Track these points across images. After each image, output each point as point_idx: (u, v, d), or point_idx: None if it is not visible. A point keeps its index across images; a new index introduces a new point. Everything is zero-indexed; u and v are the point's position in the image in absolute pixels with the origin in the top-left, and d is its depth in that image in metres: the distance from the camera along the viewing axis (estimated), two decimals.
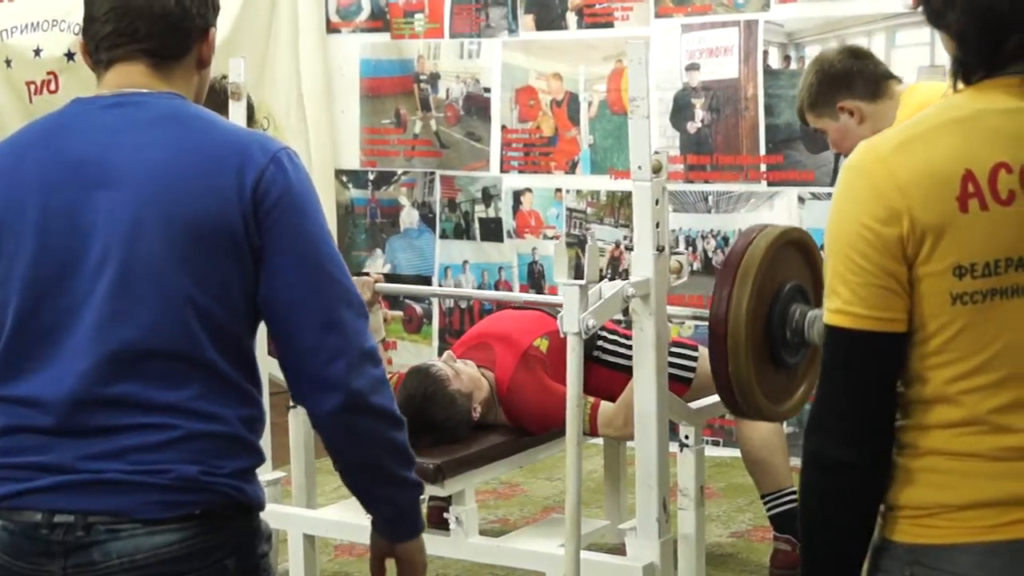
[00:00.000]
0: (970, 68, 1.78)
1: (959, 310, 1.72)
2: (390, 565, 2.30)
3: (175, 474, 1.99)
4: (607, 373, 4.10)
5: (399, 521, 2.25)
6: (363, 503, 2.24)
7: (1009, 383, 1.73)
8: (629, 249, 3.62)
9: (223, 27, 6.63)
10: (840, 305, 1.76)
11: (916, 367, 1.77)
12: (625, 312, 3.56)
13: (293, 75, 6.73)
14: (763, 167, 5.61)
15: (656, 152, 3.51)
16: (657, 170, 3.50)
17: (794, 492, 4.04)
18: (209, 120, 2.13)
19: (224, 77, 4.25)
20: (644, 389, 3.55)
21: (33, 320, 2.03)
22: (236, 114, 4.19)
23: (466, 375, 4.01)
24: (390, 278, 6.55)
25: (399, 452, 2.18)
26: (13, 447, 2.04)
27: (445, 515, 3.98)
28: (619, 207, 5.91)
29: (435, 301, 6.48)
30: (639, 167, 3.47)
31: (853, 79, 3.72)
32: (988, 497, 1.73)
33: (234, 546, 2.05)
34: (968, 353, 1.73)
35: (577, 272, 3.36)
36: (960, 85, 1.81)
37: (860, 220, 1.74)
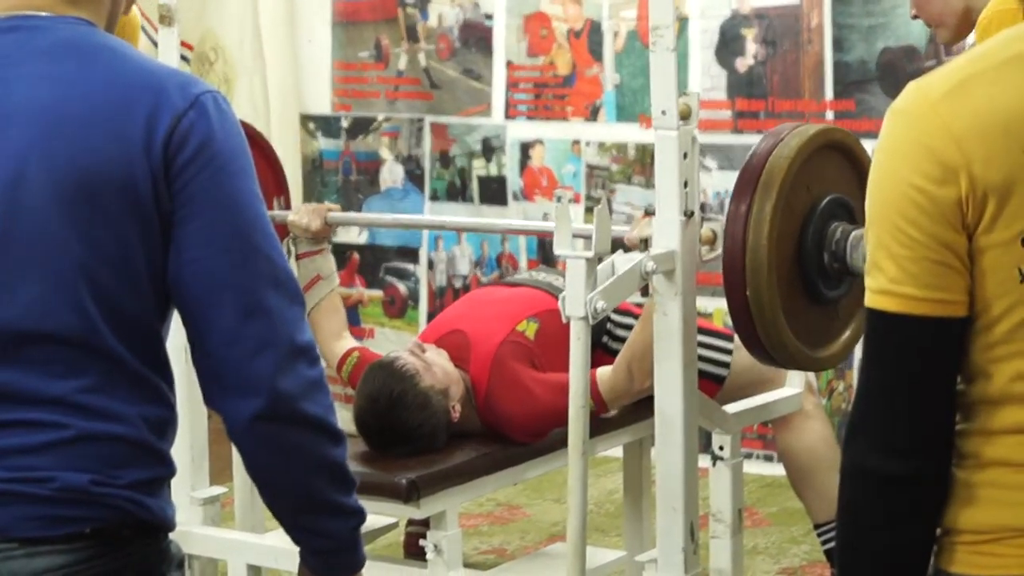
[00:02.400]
0: None
1: None
2: None
3: (60, 483, 2.00)
4: None
5: (334, 555, 2.24)
6: (289, 533, 2.24)
7: None
8: (652, 214, 3.61)
9: None
10: (885, 284, 1.77)
11: (979, 359, 1.78)
12: (644, 292, 3.56)
13: None
14: (830, 114, 5.63)
15: (684, 94, 3.51)
16: (686, 116, 3.53)
17: None
18: (120, 52, 2.14)
19: None
20: (667, 388, 3.57)
21: None
22: (166, 44, 4.23)
23: (439, 367, 4.03)
24: (368, 249, 6.60)
25: (334, 472, 2.18)
26: None
27: (422, 542, 3.99)
28: (651, 163, 5.89)
29: (423, 279, 6.52)
30: (663, 112, 3.50)
31: None
32: None
33: (134, 573, 2.07)
34: None
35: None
36: None
37: (909, 180, 1.75)
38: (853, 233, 3.54)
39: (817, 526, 4.28)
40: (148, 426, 2.07)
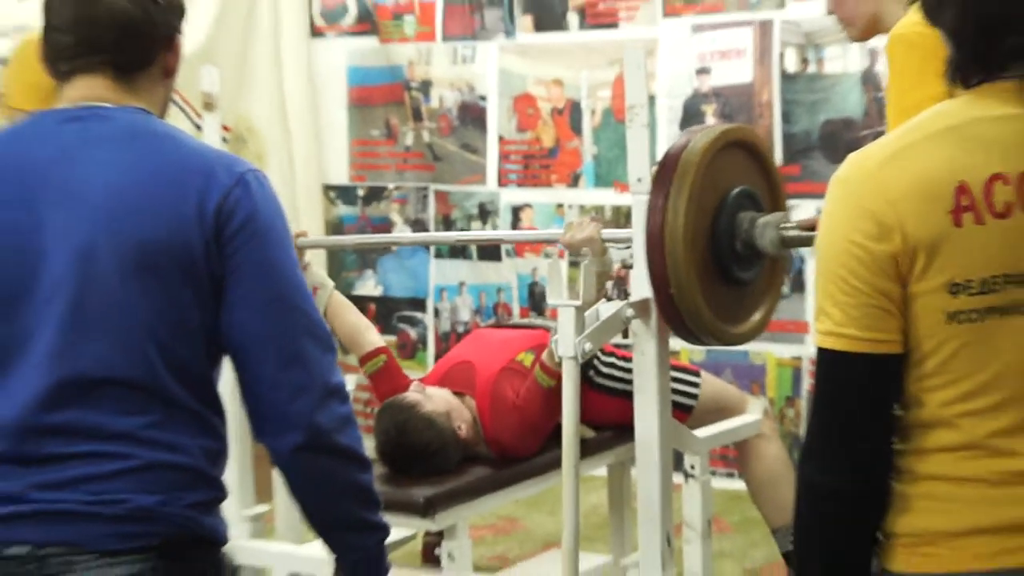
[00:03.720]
0: (967, 71, 1.80)
1: (955, 329, 1.74)
2: None
3: (132, 504, 2.01)
4: (599, 398, 4.10)
5: (363, 564, 2.25)
6: (325, 545, 2.25)
7: (1009, 405, 1.75)
8: (629, 265, 3.61)
9: (198, 32, 6.67)
10: (831, 327, 1.78)
11: (912, 389, 1.79)
12: (625, 334, 3.57)
13: (275, 83, 6.72)
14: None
15: (655, 164, 3.51)
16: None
17: None
18: (174, 138, 2.15)
19: None
20: (646, 416, 3.54)
21: None
22: (209, 127, 4.21)
23: (438, 397, 4.00)
24: (382, 301, 6.60)
25: (363, 494, 2.20)
26: None
27: (437, 551, 3.99)
28: (625, 223, 5.88)
29: (430, 326, 6.52)
30: (638, 179, 3.46)
31: None
32: (989, 523, 1.76)
33: None
34: (965, 374, 1.75)
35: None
36: (957, 91, 1.82)
37: (851, 237, 1.76)
38: (760, 220, 3.47)
39: (774, 531, 4.23)
40: (204, 456, 2.09)
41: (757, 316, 3.70)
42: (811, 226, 3.34)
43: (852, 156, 1.83)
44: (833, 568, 1.85)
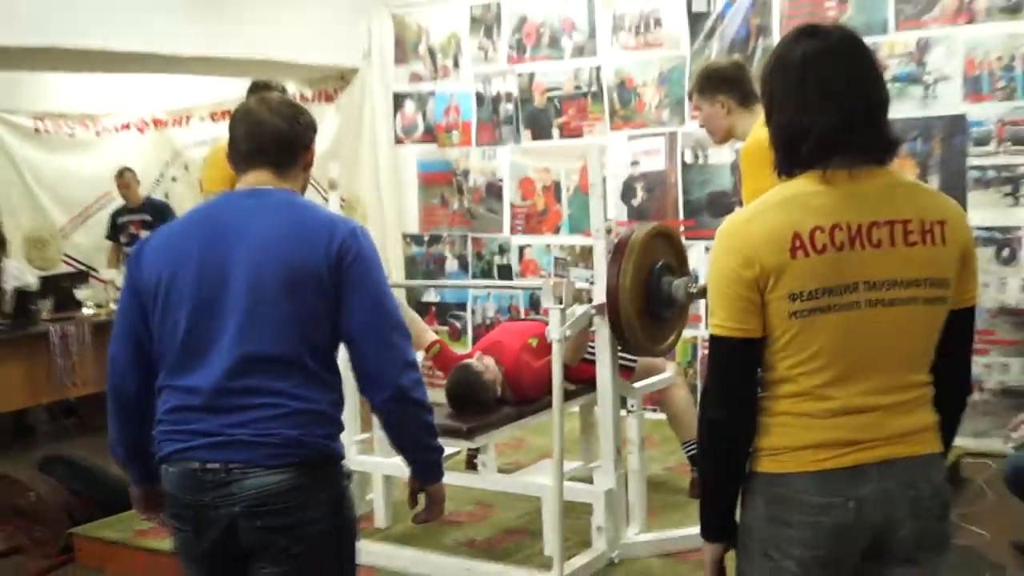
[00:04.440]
0: (784, 168, 1.75)
1: (793, 322, 1.70)
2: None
3: (283, 436, 1.99)
4: (579, 366, 3.99)
5: (428, 470, 2.21)
6: (405, 459, 2.21)
7: (826, 368, 1.70)
8: (592, 283, 3.61)
9: (326, 141, 6.74)
10: (719, 321, 1.74)
11: (769, 359, 1.74)
12: (591, 325, 3.57)
13: (373, 172, 6.73)
14: (682, 228, 5.60)
15: (608, 219, 3.52)
16: (609, 231, 3.53)
17: None
18: (310, 206, 2.12)
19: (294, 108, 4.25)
20: (604, 375, 3.55)
21: (195, 332, 2.03)
22: (333, 200, 4.13)
23: (491, 368, 3.94)
24: (439, 305, 6.59)
25: (428, 428, 2.15)
26: (180, 419, 2.04)
27: (475, 460, 3.96)
28: (588, 256, 5.91)
29: (469, 320, 6.47)
30: (597, 230, 3.48)
31: (732, 84, 3.39)
32: (815, 441, 1.71)
33: (325, 482, 2.04)
34: (800, 349, 1.71)
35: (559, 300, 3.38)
36: (784, 178, 1.77)
37: (729, 266, 1.72)
38: (675, 282, 3.48)
39: (683, 444, 4.24)
40: (329, 404, 2.05)
41: (671, 338, 3.73)
42: (703, 290, 3.35)
43: (729, 216, 1.78)
44: (721, 468, 1.79)
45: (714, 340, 1.76)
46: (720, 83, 3.39)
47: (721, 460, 1.78)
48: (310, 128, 2.19)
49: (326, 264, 2.01)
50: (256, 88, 4.26)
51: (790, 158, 1.74)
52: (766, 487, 1.75)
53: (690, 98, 3.63)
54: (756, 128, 3.21)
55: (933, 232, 1.71)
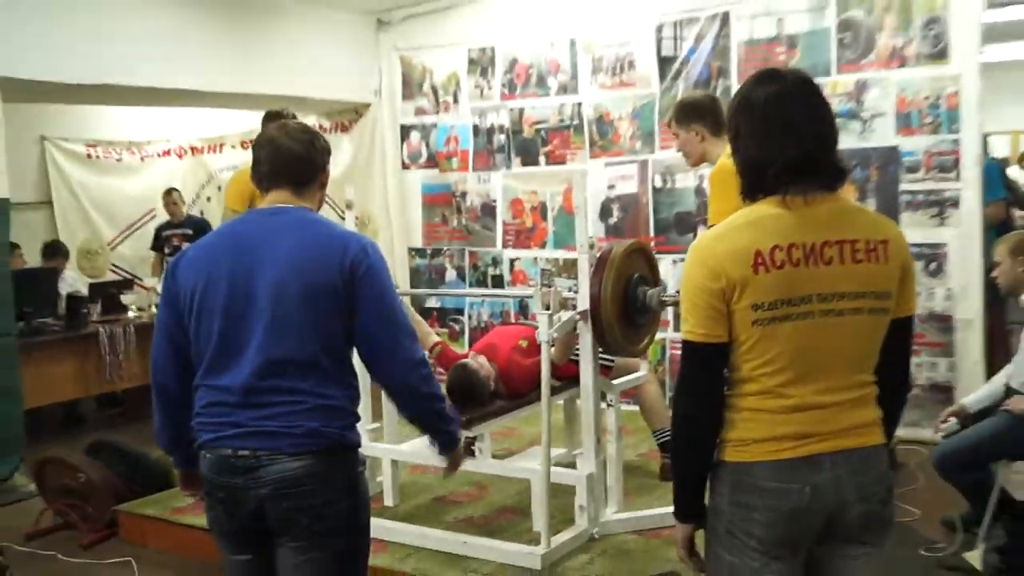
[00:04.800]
0: (748, 192, 1.74)
1: (755, 329, 1.68)
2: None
3: (305, 427, 1.98)
4: (565, 365, 3.95)
5: (445, 444, 2.22)
6: (428, 436, 2.21)
7: (785, 370, 1.68)
8: (575, 292, 3.59)
9: (341, 165, 6.72)
10: (690, 328, 1.72)
11: (734, 361, 1.72)
12: (575, 329, 3.54)
13: (383, 194, 6.70)
14: (653, 243, 5.59)
15: (590, 236, 3.50)
16: (591, 246, 3.51)
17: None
18: (325, 223, 2.08)
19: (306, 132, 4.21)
20: (586, 372, 3.53)
21: (227, 338, 2.01)
22: (349, 218, 4.08)
23: (485, 366, 3.90)
24: (440, 310, 6.56)
25: (441, 413, 2.15)
26: (215, 413, 2.03)
27: (472, 447, 3.92)
28: (572, 268, 5.89)
29: (466, 323, 6.45)
30: (581, 245, 3.46)
31: (705, 114, 3.33)
32: (775, 434, 1.70)
33: (342, 468, 2.03)
34: (762, 353, 1.69)
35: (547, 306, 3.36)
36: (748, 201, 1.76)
37: (699, 279, 1.70)
38: (649, 292, 3.46)
39: (653, 431, 4.20)
40: (346, 399, 2.03)
41: (646, 341, 3.70)
42: (675, 299, 3.34)
43: (700, 235, 1.77)
44: (691, 458, 1.77)
45: (686, 344, 1.74)
46: (695, 113, 3.37)
47: (692, 451, 1.76)
48: (325, 151, 2.16)
49: (341, 277, 1.99)
50: (270, 117, 4.21)
51: (755, 185, 1.73)
52: (732, 474, 1.73)
53: (668, 126, 3.59)
54: (724, 155, 3.18)
55: (877, 251, 1.70)
